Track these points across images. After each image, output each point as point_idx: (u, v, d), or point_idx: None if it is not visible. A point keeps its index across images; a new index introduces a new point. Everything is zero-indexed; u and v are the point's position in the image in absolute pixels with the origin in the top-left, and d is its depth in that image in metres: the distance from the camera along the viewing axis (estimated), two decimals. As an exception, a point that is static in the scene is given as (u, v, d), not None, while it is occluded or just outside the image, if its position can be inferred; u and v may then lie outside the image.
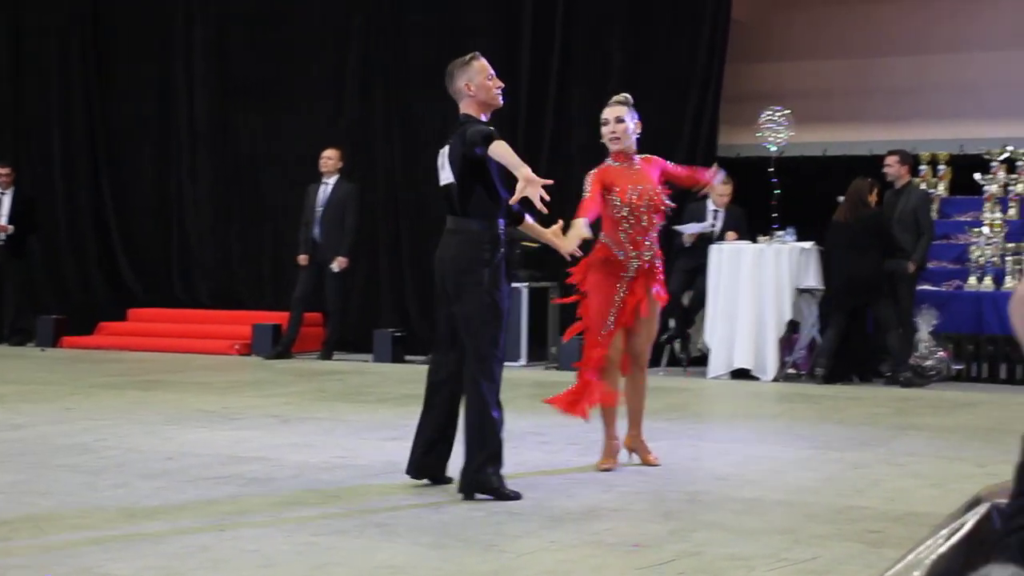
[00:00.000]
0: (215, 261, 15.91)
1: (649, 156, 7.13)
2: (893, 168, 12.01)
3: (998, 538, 1.39)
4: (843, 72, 14.69)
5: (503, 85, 6.39)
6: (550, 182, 5.83)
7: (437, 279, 6.27)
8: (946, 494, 6.17)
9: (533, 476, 6.61)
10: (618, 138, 6.96)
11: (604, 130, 7.01)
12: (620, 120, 6.96)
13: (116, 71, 16.39)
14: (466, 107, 6.29)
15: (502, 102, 6.36)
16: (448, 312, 6.22)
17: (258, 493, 6.09)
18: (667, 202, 7.01)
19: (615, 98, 7.07)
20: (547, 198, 5.73)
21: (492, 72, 6.31)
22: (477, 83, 6.24)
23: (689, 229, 12.46)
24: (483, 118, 6.26)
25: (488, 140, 5.95)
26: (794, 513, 5.77)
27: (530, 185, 5.70)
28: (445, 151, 6.27)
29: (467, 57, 6.34)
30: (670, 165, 7.21)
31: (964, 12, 14.39)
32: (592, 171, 6.97)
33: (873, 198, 11.64)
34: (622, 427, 7.12)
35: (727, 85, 13.77)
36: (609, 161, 7.02)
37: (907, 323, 11.60)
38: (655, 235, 7.02)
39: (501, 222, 6.20)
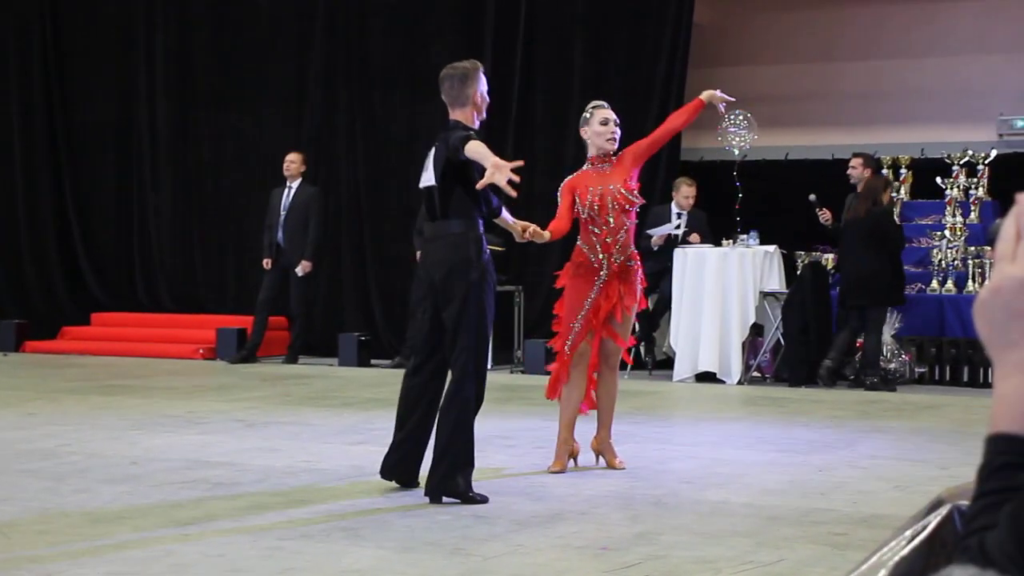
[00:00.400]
0: (178, 265, 15.84)
1: (622, 153, 7.14)
2: (857, 170, 12.06)
3: (959, 539, 1.40)
4: (804, 76, 14.77)
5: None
6: (520, 163, 5.89)
7: (424, 284, 6.32)
8: (909, 496, 6.22)
9: (499, 479, 6.62)
10: (616, 139, 7.05)
11: (603, 130, 7.03)
12: (617, 122, 7.10)
13: (77, 75, 16.29)
14: (461, 114, 6.29)
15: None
16: (432, 317, 6.22)
17: (223, 497, 6.08)
18: (632, 198, 6.98)
19: (600, 103, 7.19)
20: (516, 180, 5.77)
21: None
22: (483, 93, 6.34)
23: (658, 232, 12.49)
24: (476, 125, 6.32)
25: (466, 141, 5.99)
26: (759, 516, 5.80)
27: (498, 171, 5.73)
28: (431, 154, 6.29)
29: (472, 65, 6.38)
30: (641, 143, 7.18)
31: (923, 17, 14.49)
32: (566, 179, 7.09)
33: (886, 196, 11.71)
34: (587, 431, 7.13)
35: (689, 89, 13.81)
36: (585, 166, 7.11)
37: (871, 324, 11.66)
38: (625, 236, 7.00)
39: (481, 223, 6.23)
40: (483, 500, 5.99)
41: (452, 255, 6.16)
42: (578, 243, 7.03)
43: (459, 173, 6.14)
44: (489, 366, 12.85)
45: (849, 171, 12.11)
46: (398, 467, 6.31)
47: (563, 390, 6.94)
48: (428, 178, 6.28)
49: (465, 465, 6.04)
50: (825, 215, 11.99)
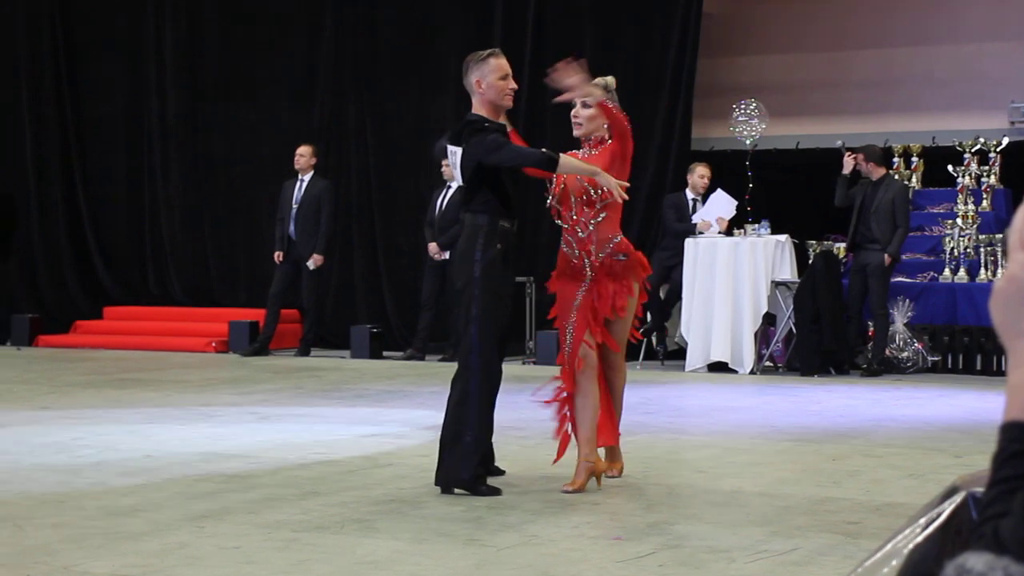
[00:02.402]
0: (190, 258, 15.86)
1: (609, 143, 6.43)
2: (861, 165, 12.02)
3: (974, 527, 1.41)
4: (815, 65, 14.74)
5: (515, 87, 6.30)
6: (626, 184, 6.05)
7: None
8: (923, 484, 6.21)
9: (512, 471, 6.62)
10: (579, 124, 6.40)
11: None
12: (585, 105, 6.36)
13: (87, 67, 16.31)
14: (477, 105, 6.23)
15: (511, 104, 6.28)
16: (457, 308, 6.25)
17: (237, 490, 6.09)
18: (593, 193, 6.23)
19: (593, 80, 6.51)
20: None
21: (508, 72, 6.21)
22: (489, 81, 6.17)
23: (712, 216, 12.31)
24: (486, 111, 6.20)
25: (552, 163, 5.98)
26: (773, 505, 5.80)
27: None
28: (457, 152, 6.19)
29: (485, 53, 6.26)
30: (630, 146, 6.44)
31: (934, 4, 14.45)
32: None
33: None
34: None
35: (699, 78, 13.80)
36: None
37: (880, 315, 11.65)
38: (596, 231, 6.28)
39: (507, 220, 6.14)
40: (493, 492, 5.98)
41: (462, 247, 6.18)
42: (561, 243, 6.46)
43: (488, 174, 6.10)
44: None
45: (857, 167, 12.02)
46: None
47: (577, 401, 6.18)
48: (458, 176, 6.28)
49: (471, 455, 6.01)
50: (849, 162, 11.85)
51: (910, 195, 12.15)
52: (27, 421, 8.47)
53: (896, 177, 12.70)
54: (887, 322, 11.65)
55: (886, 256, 11.74)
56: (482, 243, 6.07)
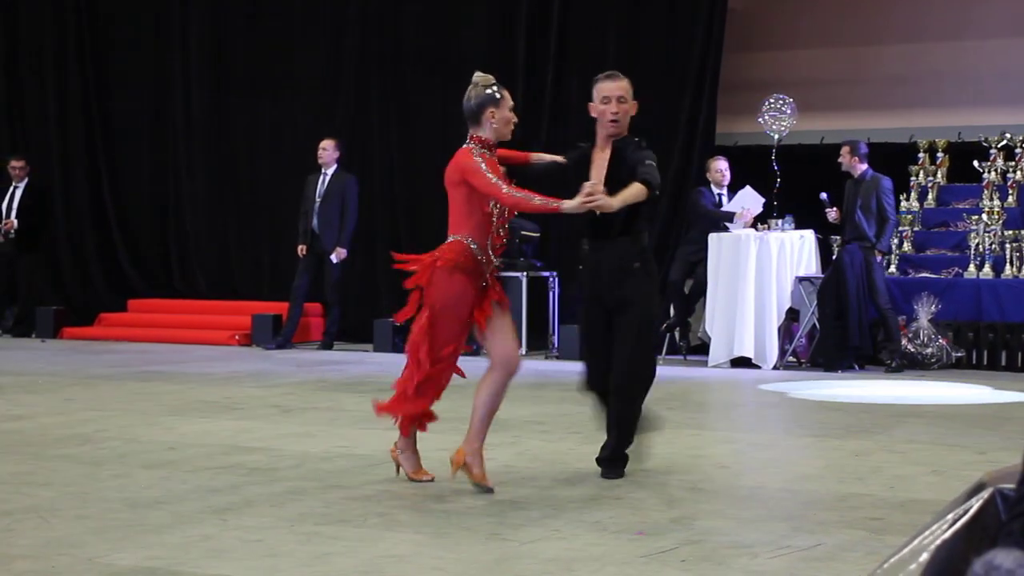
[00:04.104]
0: (213, 251, 15.91)
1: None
2: (845, 159, 11.98)
3: (1003, 524, 1.39)
4: (840, 60, 14.68)
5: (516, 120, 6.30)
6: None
7: None
8: (947, 481, 6.19)
9: (534, 465, 6.62)
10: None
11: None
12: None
13: (112, 63, 16.38)
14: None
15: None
16: None
17: (260, 483, 6.10)
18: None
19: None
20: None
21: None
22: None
23: (740, 209, 12.28)
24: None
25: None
26: (796, 501, 5.78)
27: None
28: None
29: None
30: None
31: (960, 0, 14.38)
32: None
33: None
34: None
35: (724, 73, 13.76)
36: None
37: (883, 309, 11.62)
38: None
39: (586, 241, 6.36)
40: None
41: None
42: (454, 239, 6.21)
43: None
44: (523, 352, 12.95)
45: (840, 159, 12.01)
46: None
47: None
48: None
49: None
50: (833, 214, 11.88)
51: (892, 186, 12.06)
52: (51, 412, 8.50)
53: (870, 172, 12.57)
54: (895, 315, 11.64)
55: (876, 252, 11.72)
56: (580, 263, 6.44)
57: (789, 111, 12.31)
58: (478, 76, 6.21)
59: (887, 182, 11.89)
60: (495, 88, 6.14)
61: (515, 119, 6.21)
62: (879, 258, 11.78)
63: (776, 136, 12.34)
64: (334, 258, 13.60)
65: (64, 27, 16.51)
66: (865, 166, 11.91)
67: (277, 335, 13.79)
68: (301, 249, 13.75)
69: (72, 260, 16.44)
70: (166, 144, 16.15)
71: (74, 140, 16.48)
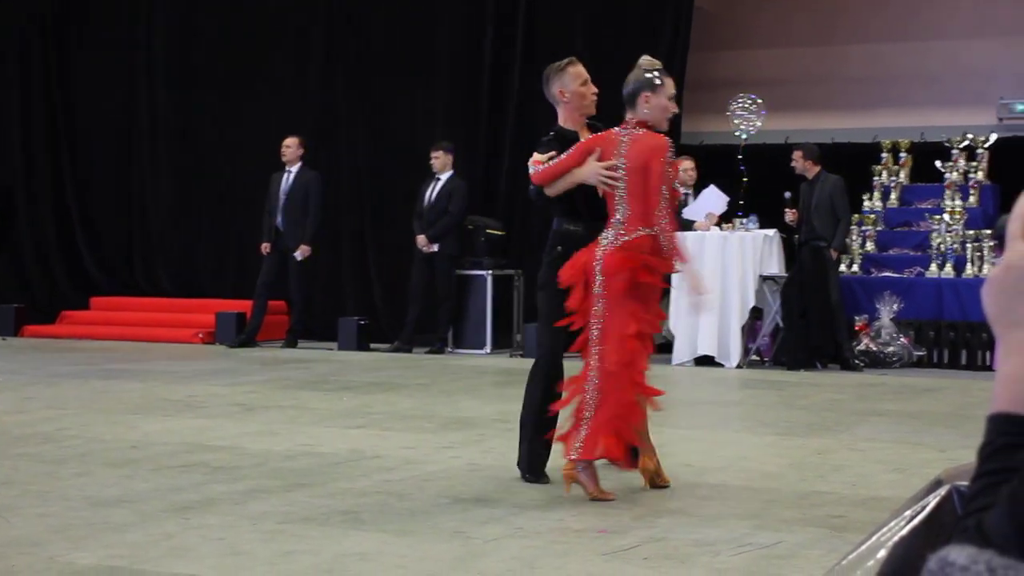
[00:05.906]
0: (177, 249, 15.84)
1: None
2: (798, 163, 12.09)
3: (958, 520, 1.40)
4: (804, 60, 14.75)
5: (596, 91, 6.31)
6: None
7: None
8: (908, 479, 6.22)
9: (499, 463, 6.62)
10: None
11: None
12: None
13: (77, 58, 16.28)
14: (562, 114, 6.23)
15: (594, 110, 6.29)
16: None
17: (223, 481, 6.08)
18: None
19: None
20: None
21: (587, 77, 6.26)
22: (572, 90, 6.20)
23: (700, 213, 12.33)
24: (566, 122, 6.23)
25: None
26: (758, 498, 5.81)
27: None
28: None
29: (563, 62, 6.27)
30: None
31: (924, 1, 14.47)
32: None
33: None
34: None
35: (689, 73, 13.80)
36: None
37: (838, 309, 11.73)
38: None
39: (574, 223, 6.18)
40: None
41: None
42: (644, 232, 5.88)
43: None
44: (488, 350, 12.91)
45: (792, 164, 12.12)
46: None
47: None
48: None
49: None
50: (789, 215, 11.98)
51: (844, 186, 12.14)
52: (12, 411, 8.45)
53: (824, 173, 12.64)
54: (843, 314, 11.77)
55: (832, 251, 11.82)
56: (548, 245, 6.25)
57: (758, 111, 12.36)
58: (643, 60, 6.22)
59: (840, 182, 11.99)
60: (656, 74, 6.12)
61: (674, 108, 6.15)
62: (834, 255, 11.88)
63: (743, 135, 12.38)
64: (298, 255, 13.56)
65: (30, 22, 16.39)
66: (819, 168, 11.99)
67: (241, 333, 13.74)
68: (265, 247, 13.71)
69: (35, 257, 16.33)
70: (130, 142, 16.07)
71: (38, 137, 16.38)
